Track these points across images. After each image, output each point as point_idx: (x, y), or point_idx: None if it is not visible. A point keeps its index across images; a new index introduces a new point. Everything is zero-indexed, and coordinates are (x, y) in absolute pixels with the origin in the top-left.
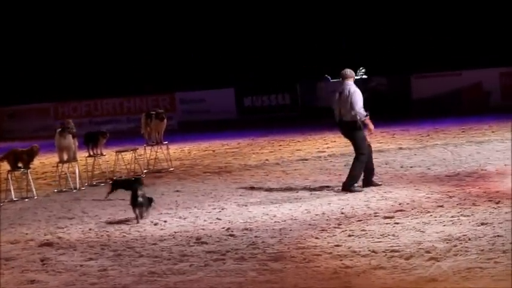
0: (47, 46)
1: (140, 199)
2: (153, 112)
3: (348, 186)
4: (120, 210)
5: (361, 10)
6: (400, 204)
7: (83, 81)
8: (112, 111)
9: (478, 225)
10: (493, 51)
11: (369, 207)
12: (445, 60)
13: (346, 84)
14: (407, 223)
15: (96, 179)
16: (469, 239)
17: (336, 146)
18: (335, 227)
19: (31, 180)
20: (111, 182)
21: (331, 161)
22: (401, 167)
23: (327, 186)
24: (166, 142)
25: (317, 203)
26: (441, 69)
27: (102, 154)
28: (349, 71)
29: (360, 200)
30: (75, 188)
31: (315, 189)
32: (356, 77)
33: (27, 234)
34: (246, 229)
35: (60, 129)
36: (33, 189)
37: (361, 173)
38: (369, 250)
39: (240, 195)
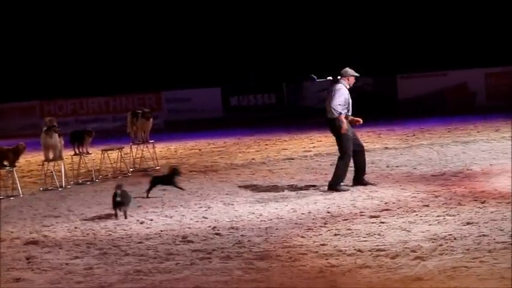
0: (32, 44)
1: (118, 198)
2: (139, 111)
3: (333, 186)
4: (106, 209)
5: (347, 11)
6: (386, 203)
7: (68, 79)
8: (98, 110)
9: (464, 225)
10: (478, 51)
11: (355, 207)
12: (431, 60)
13: (337, 83)
14: (393, 222)
15: (82, 177)
16: (455, 239)
17: (322, 145)
18: (321, 226)
19: (17, 179)
20: (150, 179)
21: (317, 160)
22: (387, 166)
23: (313, 186)
24: (152, 141)
25: (303, 202)
26: (427, 70)
27: (88, 153)
28: (344, 70)
29: (346, 199)
30: (61, 187)
31: (301, 189)
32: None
33: (12, 232)
34: (232, 228)
35: (46, 128)
36: (19, 188)
37: (346, 171)
38: (355, 249)
39: (226, 194)
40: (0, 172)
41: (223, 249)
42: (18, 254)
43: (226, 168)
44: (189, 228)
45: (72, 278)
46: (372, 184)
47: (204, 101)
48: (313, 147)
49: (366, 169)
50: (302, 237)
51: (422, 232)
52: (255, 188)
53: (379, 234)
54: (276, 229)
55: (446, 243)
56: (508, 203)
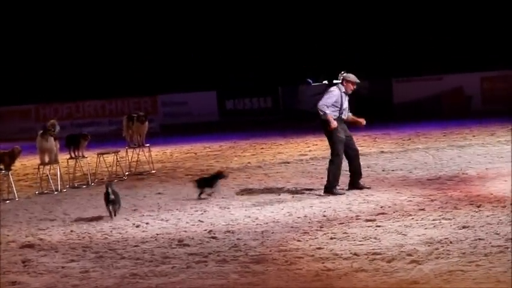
0: (28, 48)
1: (112, 196)
2: (135, 115)
3: (328, 189)
4: (102, 212)
5: (343, 15)
6: (382, 207)
7: (64, 83)
8: (94, 114)
9: (460, 229)
10: (474, 56)
11: (351, 210)
12: (427, 64)
13: (333, 86)
14: (389, 226)
15: (77, 181)
16: (451, 242)
17: (317, 149)
18: (317, 230)
19: (12, 182)
20: (194, 182)
21: (313, 164)
22: (383, 170)
23: (309, 189)
24: (148, 145)
25: (299, 205)
26: (422, 74)
27: (83, 156)
28: (345, 74)
29: (342, 202)
30: (57, 190)
31: (297, 192)
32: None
33: (8, 235)
34: (228, 231)
35: (42, 131)
36: (15, 191)
37: (339, 174)
38: (351, 253)
39: (222, 197)
40: None
41: (219, 253)
42: (14, 257)
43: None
44: (185, 231)
45: (68, 281)
46: (367, 188)
47: (200, 105)
48: (309, 151)
49: (362, 173)
50: (298, 240)
51: (418, 236)
52: (250, 192)
53: (375, 238)
54: (272, 233)
55: (442, 247)
56: (503, 206)
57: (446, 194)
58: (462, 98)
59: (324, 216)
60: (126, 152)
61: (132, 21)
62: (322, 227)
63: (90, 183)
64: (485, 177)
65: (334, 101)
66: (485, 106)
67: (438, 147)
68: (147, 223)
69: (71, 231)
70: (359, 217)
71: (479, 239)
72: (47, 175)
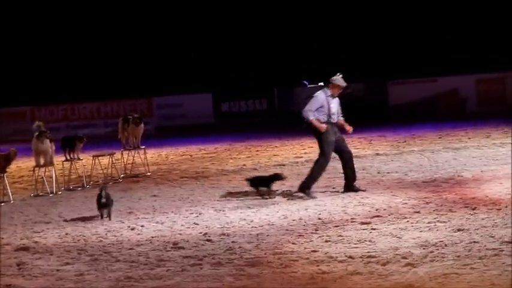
0: (23, 49)
1: (103, 200)
2: (130, 116)
3: (304, 188)
4: (97, 215)
5: (338, 17)
6: (377, 210)
7: (59, 85)
8: (89, 116)
9: (455, 231)
10: (469, 58)
11: (345, 213)
12: (422, 66)
13: (319, 90)
14: (384, 229)
15: (73, 183)
16: (446, 245)
17: (313, 151)
18: (312, 233)
19: (7, 184)
20: (247, 181)
21: (308, 167)
22: (378, 172)
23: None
24: (143, 147)
25: (294, 208)
26: (418, 76)
27: (79, 158)
28: (330, 79)
29: (337, 205)
30: (52, 192)
31: (292, 195)
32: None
33: (3, 238)
34: (223, 234)
35: (37, 133)
36: (10, 194)
37: (319, 175)
38: (346, 256)
39: (217, 200)
40: None
41: (214, 256)
42: (9, 260)
43: (217, 174)
44: (180, 234)
45: (63, 284)
46: (362, 190)
47: (195, 107)
48: (305, 153)
49: (357, 175)
50: (293, 243)
51: (413, 239)
52: (246, 194)
53: (370, 241)
54: (267, 235)
55: (437, 249)
56: (498, 209)
57: (441, 196)
58: (457, 100)
59: (319, 219)
60: (122, 154)
61: (127, 23)
62: (317, 230)
63: (85, 185)
64: (481, 179)
65: (319, 105)
66: (480, 108)
67: (433, 150)
68: (142, 226)
69: (66, 234)
70: (354, 220)
71: (474, 242)
72: (42, 177)
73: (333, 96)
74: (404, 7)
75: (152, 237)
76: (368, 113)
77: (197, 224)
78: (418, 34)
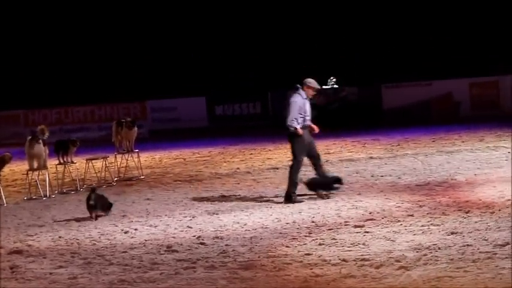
0: (16, 53)
1: (92, 202)
2: (124, 120)
3: (287, 198)
4: (90, 218)
5: (332, 20)
6: (370, 213)
7: (53, 88)
8: (83, 119)
9: (448, 235)
10: (463, 61)
11: (339, 216)
12: (416, 70)
13: (296, 93)
14: (378, 232)
15: (66, 186)
16: (439, 248)
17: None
18: (306, 236)
19: (0, 188)
20: (305, 184)
21: (301, 170)
22: (372, 176)
23: (298, 195)
24: (137, 150)
25: (288, 211)
26: (411, 80)
27: (72, 162)
28: (305, 80)
29: (331, 208)
30: (45, 196)
31: None
32: (327, 87)
33: None
34: (217, 237)
35: (30, 137)
36: (3, 197)
37: (296, 179)
38: (339, 259)
39: (211, 203)
40: None
41: (208, 259)
42: (2, 263)
43: (211, 177)
44: (174, 237)
45: (56, 287)
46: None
47: (189, 110)
48: None
49: (350, 179)
50: (287, 246)
51: (407, 242)
52: (239, 198)
53: (363, 244)
54: (261, 239)
55: (431, 253)
56: (492, 212)
57: (434, 199)
58: (451, 103)
59: (313, 222)
60: (115, 157)
61: (121, 27)
62: (310, 233)
63: (78, 188)
64: (474, 183)
65: (299, 109)
66: (474, 112)
67: (427, 153)
68: (135, 229)
69: (60, 237)
70: (348, 223)
71: (468, 245)
72: (36, 181)
73: (307, 98)
74: (399, 11)
75: (146, 240)
76: (362, 117)
77: (191, 228)
78: (411, 38)
